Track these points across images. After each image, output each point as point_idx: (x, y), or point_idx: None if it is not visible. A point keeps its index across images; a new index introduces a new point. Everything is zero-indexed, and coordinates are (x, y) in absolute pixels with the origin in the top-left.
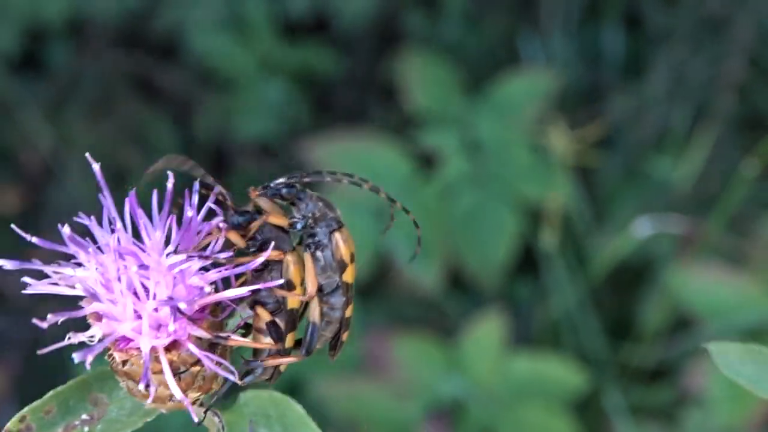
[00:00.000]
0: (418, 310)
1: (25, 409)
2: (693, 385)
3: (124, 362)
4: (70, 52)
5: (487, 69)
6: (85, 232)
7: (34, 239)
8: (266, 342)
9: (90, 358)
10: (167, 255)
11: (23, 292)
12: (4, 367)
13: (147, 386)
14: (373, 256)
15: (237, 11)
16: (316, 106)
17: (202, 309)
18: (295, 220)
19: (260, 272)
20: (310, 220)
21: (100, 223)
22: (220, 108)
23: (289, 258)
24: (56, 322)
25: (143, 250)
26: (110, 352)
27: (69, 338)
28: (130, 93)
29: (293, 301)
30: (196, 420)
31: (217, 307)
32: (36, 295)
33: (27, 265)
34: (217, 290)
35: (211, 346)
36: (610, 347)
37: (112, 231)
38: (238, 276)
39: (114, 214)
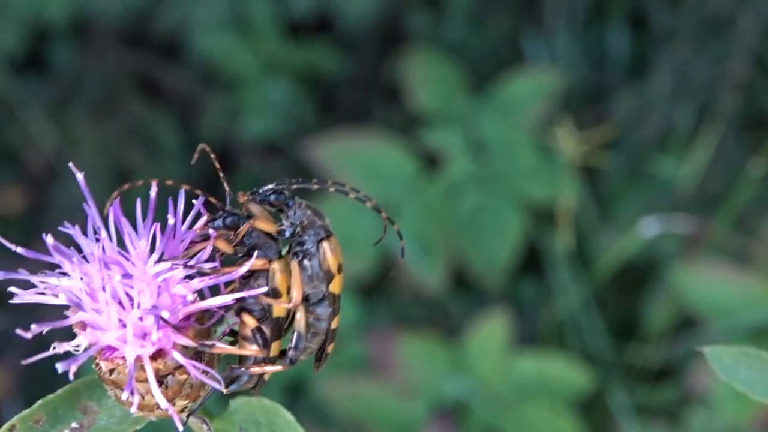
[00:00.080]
0: (422, 309)
1: (14, 418)
2: (698, 384)
3: (111, 371)
4: (73, 52)
5: (491, 69)
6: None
7: (19, 249)
8: (252, 349)
9: (74, 368)
10: (154, 263)
11: (10, 302)
12: (8, 366)
13: (132, 394)
14: (377, 257)
15: (241, 11)
16: (321, 105)
17: (188, 317)
18: (284, 227)
19: (247, 279)
20: (298, 228)
21: (84, 233)
22: (224, 108)
23: (276, 266)
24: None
25: (128, 259)
26: (96, 361)
27: (54, 348)
28: (133, 93)
29: (279, 309)
30: (180, 429)
31: (204, 314)
32: None
33: (13, 275)
34: (203, 298)
35: (197, 354)
36: (615, 347)
37: (98, 240)
38: (226, 283)
39: (99, 223)
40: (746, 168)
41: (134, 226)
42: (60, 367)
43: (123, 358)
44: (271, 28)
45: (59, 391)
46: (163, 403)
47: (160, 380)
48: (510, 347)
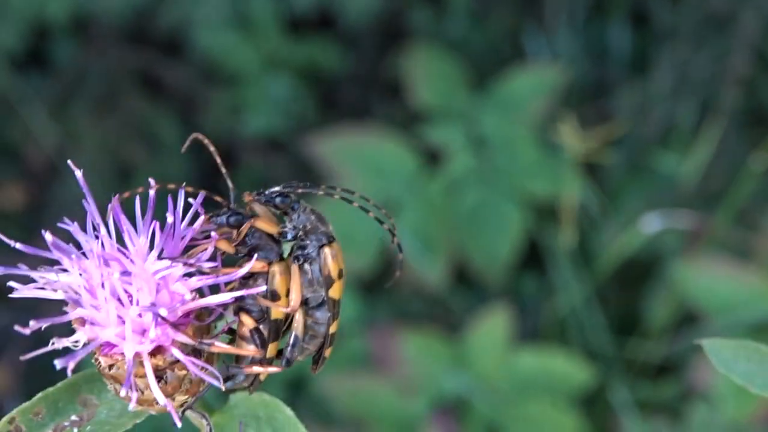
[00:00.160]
0: (423, 305)
1: (14, 410)
2: (699, 380)
3: (110, 366)
4: (75, 49)
5: (492, 65)
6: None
7: (19, 245)
8: (249, 349)
9: (72, 364)
10: (153, 261)
11: (10, 296)
12: (8, 363)
13: (131, 390)
14: (379, 253)
15: (242, 8)
16: (322, 102)
17: (187, 314)
18: (286, 230)
19: (247, 279)
20: (300, 232)
21: (84, 229)
22: (225, 104)
23: (276, 268)
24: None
25: (127, 256)
26: (96, 356)
27: (53, 343)
28: (134, 89)
29: (277, 311)
30: (179, 424)
31: (204, 311)
32: None
33: (12, 271)
34: (202, 296)
35: (195, 351)
36: (617, 343)
37: (97, 237)
38: (226, 282)
39: (98, 219)
40: (748, 163)
41: (134, 223)
42: (58, 363)
43: (122, 354)
44: (273, 24)
45: (59, 384)
46: (162, 399)
47: (159, 375)
48: (511, 343)
